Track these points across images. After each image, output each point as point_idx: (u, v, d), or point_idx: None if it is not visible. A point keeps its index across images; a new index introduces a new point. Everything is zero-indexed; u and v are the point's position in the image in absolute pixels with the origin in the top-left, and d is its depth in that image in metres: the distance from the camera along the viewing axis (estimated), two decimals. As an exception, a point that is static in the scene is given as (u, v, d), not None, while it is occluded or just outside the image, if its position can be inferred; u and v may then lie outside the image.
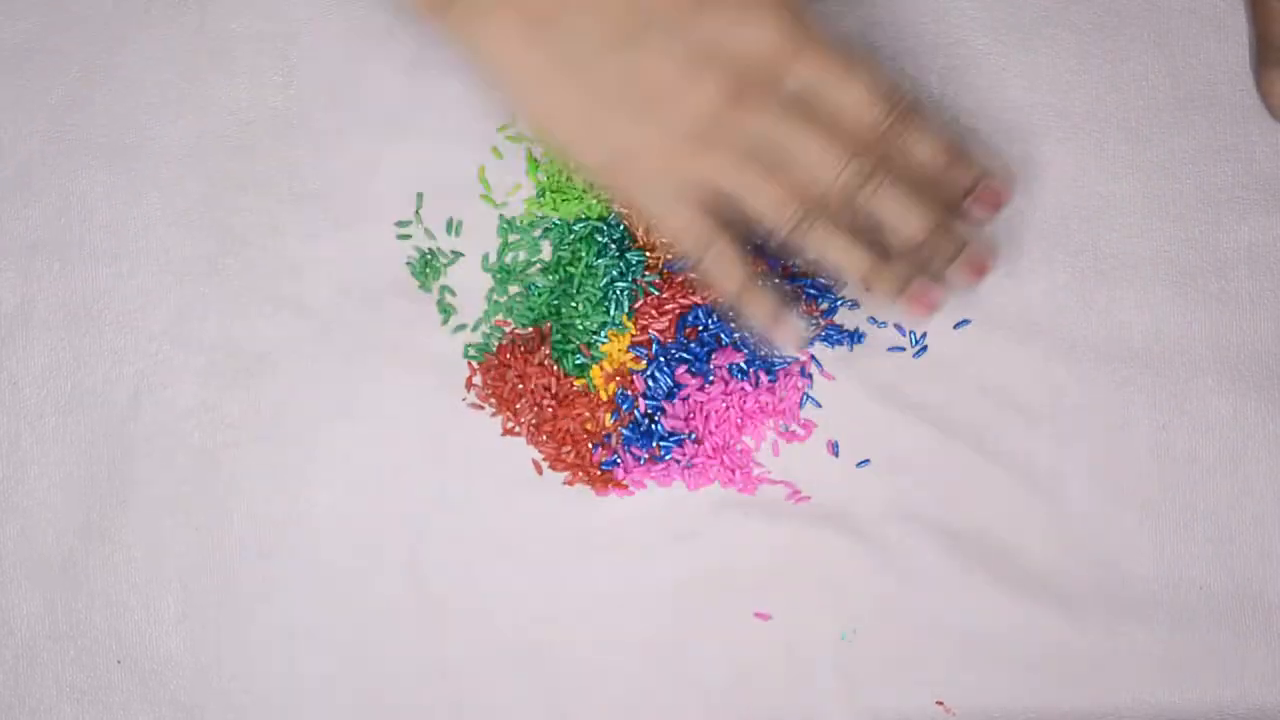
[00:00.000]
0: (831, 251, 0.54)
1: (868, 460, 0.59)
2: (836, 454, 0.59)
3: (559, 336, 0.59)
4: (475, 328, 0.59)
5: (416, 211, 0.60)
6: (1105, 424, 0.59)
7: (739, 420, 0.59)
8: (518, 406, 0.59)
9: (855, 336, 0.59)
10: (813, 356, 0.59)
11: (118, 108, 0.60)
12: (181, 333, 0.59)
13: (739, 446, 0.59)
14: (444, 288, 0.59)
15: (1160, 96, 0.60)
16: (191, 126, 0.60)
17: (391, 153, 0.60)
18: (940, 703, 0.58)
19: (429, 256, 0.60)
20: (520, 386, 0.58)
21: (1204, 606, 0.58)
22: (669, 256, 0.59)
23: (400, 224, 0.60)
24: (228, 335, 0.59)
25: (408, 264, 0.60)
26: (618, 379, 0.59)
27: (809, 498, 0.59)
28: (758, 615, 0.58)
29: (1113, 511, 0.59)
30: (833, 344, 0.59)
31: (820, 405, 0.59)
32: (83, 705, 0.58)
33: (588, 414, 0.58)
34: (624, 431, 0.58)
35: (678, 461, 0.58)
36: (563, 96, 0.53)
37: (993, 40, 0.61)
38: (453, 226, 0.60)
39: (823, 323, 0.59)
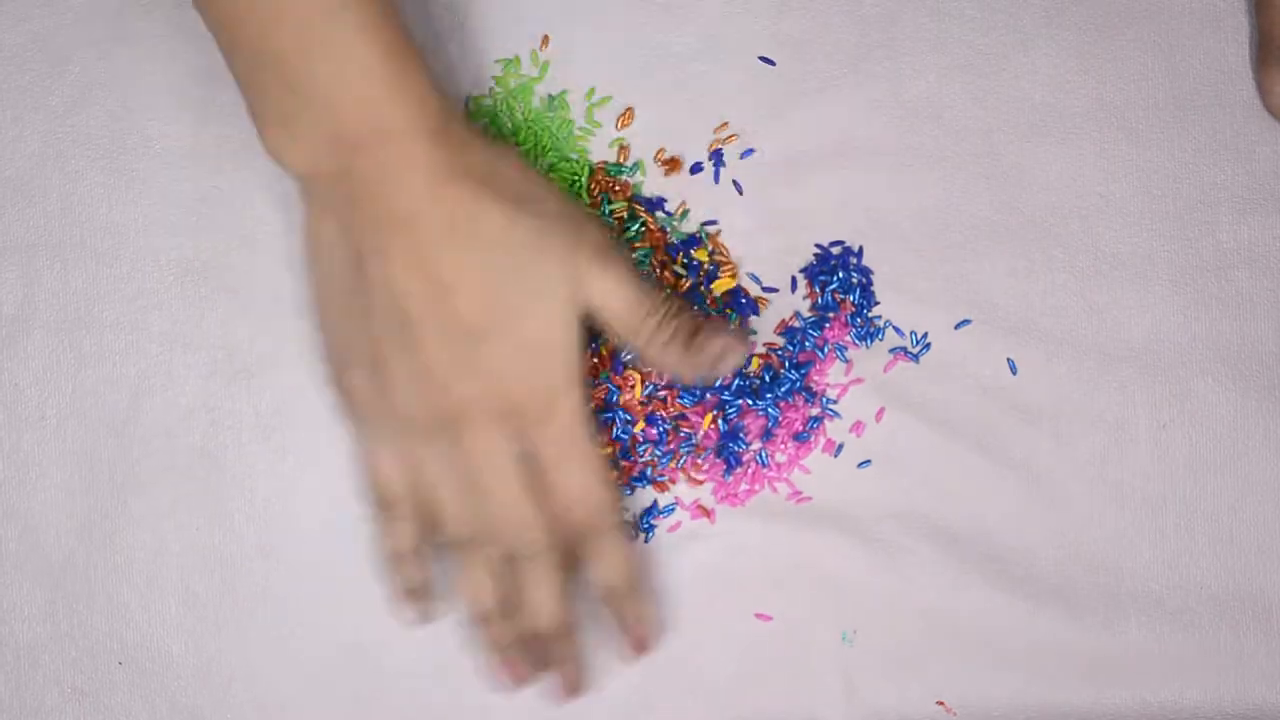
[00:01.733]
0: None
1: (869, 461, 0.59)
2: (837, 455, 0.59)
3: None
4: None
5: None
6: (1105, 424, 0.59)
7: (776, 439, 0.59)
8: None
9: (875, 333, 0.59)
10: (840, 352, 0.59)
11: (118, 108, 0.60)
12: (182, 333, 0.59)
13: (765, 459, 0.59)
14: None
15: (1160, 96, 0.60)
16: (192, 127, 0.60)
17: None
18: (941, 703, 0.58)
19: None
20: None
21: (1204, 606, 0.58)
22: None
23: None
24: (228, 336, 0.59)
25: None
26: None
27: (810, 498, 0.59)
28: (758, 616, 0.58)
29: (1113, 511, 0.59)
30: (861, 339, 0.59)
31: (839, 415, 0.59)
32: (84, 706, 0.58)
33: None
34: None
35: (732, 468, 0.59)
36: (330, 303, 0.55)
37: (993, 40, 0.61)
38: None
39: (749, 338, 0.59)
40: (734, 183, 0.60)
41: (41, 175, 0.60)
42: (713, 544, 0.59)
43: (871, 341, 0.59)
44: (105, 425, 0.59)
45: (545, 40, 0.60)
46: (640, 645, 0.56)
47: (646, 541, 0.59)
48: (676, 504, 0.59)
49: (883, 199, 0.60)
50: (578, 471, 0.54)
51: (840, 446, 0.59)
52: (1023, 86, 0.60)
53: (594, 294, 0.53)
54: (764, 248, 0.60)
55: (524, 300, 0.52)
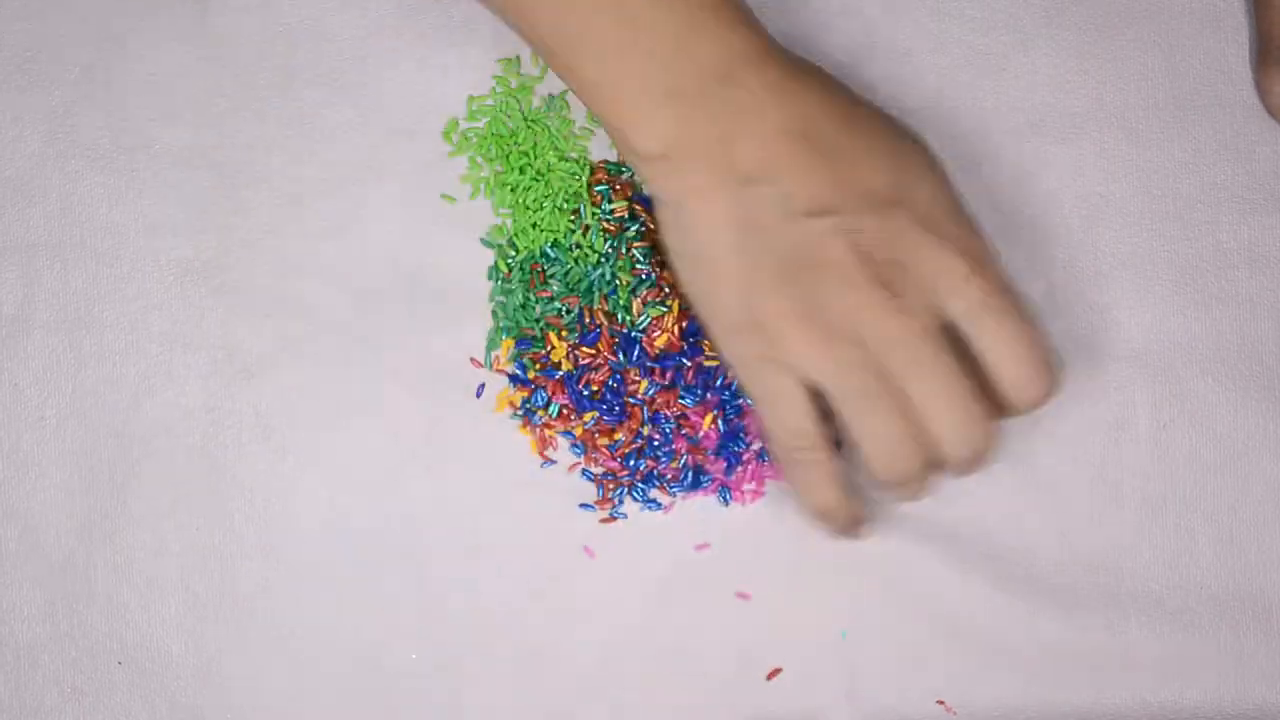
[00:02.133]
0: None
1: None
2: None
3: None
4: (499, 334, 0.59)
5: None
6: (1105, 423, 0.59)
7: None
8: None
9: None
10: None
11: (118, 109, 0.60)
12: (182, 334, 0.59)
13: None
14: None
15: (1160, 96, 0.60)
16: (191, 127, 0.60)
17: (394, 153, 0.60)
18: (941, 702, 0.58)
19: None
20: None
21: (1204, 606, 0.58)
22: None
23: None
24: (228, 336, 0.59)
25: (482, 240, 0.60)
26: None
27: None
28: (739, 595, 0.58)
29: (1113, 511, 0.59)
30: None
31: None
32: (83, 706, 0.58)
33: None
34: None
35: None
36: (731, 255, 0.52)
37: (993, 40, 0.61)
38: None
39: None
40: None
41: (41, 175, 0.60)
42: (716, 543, 0.59)
43: None
44: (105, 425, 0.59)
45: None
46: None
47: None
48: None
49: (883, 199, 0.60)
50: (1019, 337, 0.52)
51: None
52: (1023, 87, 0.60)
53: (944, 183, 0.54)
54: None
55: (916, 164, 0.53)
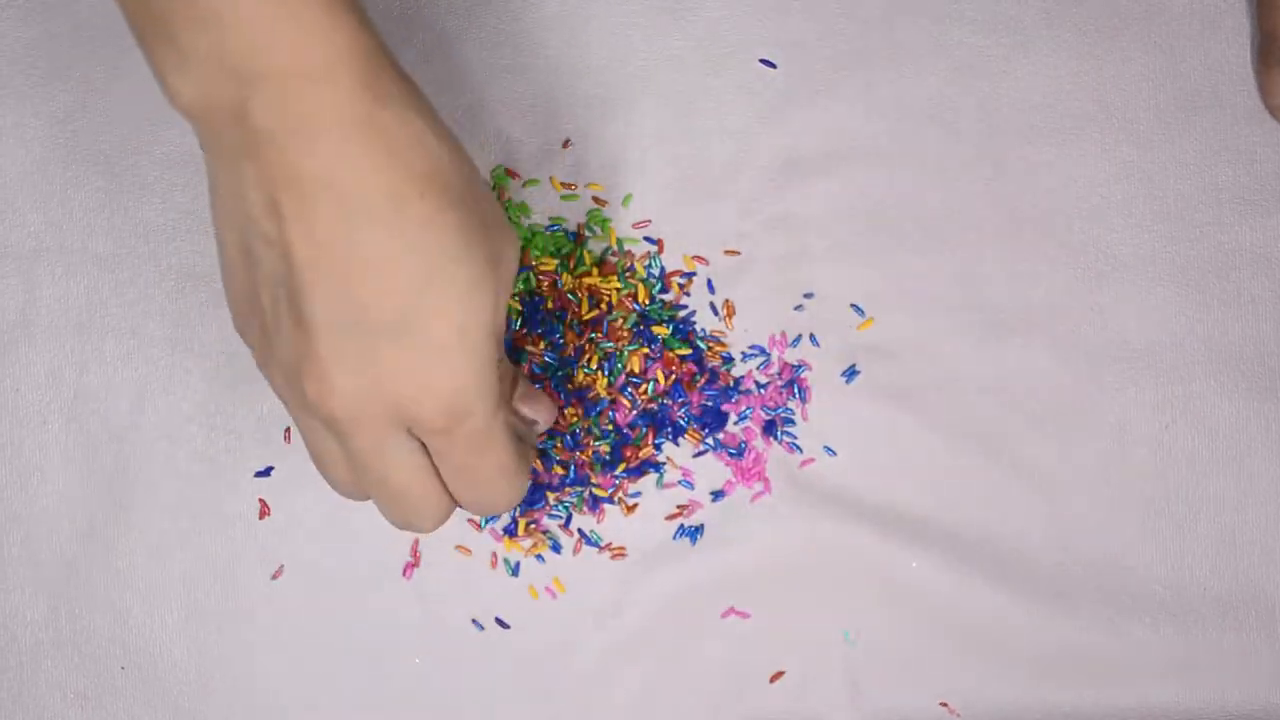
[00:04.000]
0: None
1: (870, 462, 0.59)
2: (834, 454, 0.59)
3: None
4: None
5: None
6: (1108, 424, 0.59)
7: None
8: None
9: (850, 373, 0.59)
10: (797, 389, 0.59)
11: (119, 113, 0.60)
12: (183, 338, 0.59)
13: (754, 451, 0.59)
14: None
15: (1162, 97, 0.60)
16: (191, 131, 0.60)
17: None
18: (944, 704, 0.58)
19: None
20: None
21: (1207, 607, 0.58)
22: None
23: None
24: (229, 341, 0.59)
25: None
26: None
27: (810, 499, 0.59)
28: (737, 613, 0.58)
29: (1115, 512, 0.59)
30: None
31: (801, 449, 0.59)
32: (86, 711, 0.58)
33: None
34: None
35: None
36: (229, 250, 0.47)
37: (993, 41, 0.61)
38: None
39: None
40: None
41: (43, 181, 0.60)
42: (714, 545, 0.59)
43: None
44: (107, 430, 0.59)
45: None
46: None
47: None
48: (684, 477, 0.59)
49: (884, 201, 0.60)
50: (482, 468, 0.48)
51: (828, 448, 0.59)
52: (1024, 88, 0.60)
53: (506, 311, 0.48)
54: (765, 250, 0.60)
55: (442, 299, 0.44)
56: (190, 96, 0.44)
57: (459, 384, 0.45)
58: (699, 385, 0.59)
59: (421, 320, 0.44)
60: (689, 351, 0.58)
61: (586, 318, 0.58)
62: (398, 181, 0.43)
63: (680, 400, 0.58)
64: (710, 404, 0.59)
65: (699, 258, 0.60)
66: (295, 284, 0.44)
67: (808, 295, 0.59)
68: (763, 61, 0.60)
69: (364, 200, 0.43)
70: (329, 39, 0.42)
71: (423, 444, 0.48)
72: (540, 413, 0.52)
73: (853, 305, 0.60)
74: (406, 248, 0.44)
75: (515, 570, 0.58)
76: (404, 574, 0.58)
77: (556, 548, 0.59)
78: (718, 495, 0.59)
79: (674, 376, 0.58)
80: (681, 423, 0.59)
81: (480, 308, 0.45)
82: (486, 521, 0.59)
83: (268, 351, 0.47)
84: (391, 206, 0.43)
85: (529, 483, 0.52)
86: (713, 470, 0.59)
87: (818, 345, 0.59)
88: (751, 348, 0.59)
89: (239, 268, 0.47)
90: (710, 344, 0.59)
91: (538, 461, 0.58)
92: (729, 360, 0.59)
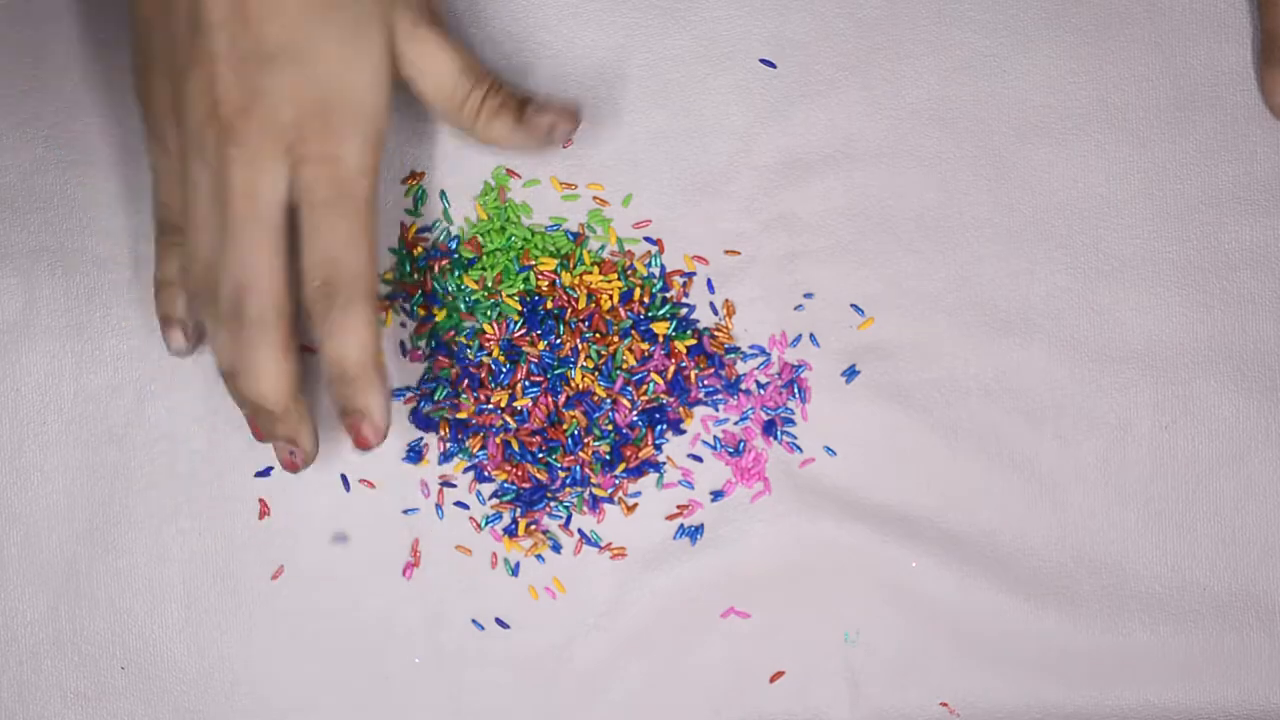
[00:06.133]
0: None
1: (870, 462, 0.59)
2: (834, 454, 0.59)
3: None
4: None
5: (445, 212, 0.60)
6: (1108, 425, 0.59)
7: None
8: None
9: (850, 372, 0.59)
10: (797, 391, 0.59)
11: (118, 114, 0.60)
12: (183, 338, 0.59)
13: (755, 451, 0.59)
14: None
15: (1161, 97, 0.60)
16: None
17: (393, 157, 0.60)
18: (945, 704, 0.58)
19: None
20: None
21: (1207, 607, 0.58)
22: None
23: (412, 212, 0.60)
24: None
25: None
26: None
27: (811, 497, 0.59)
28: (738, 614, 0.58)
29: (1116, 512, 0.59)
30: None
31: (801, 449, 0.59)
32: (86, 711, 0.58)
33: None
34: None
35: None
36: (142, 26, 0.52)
37: (993, 41, 0.61)
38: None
39: None
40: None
41: (42, 181, 0.60)
42: (715, 545, 0.59)
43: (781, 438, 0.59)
44: (107, 430, 0.59)
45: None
46: (361, 440, 0.52)
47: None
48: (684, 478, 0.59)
49: (884, 200, 0.60)
50: (340, 224, 0.50)
51: (828, 448, 0.59)
52: (1024, 88, 0.60)
53: (413, 56, 0.51)
54: (765, 250, 0.60)
55: (331, 33, 0.50)
56: None
57: (343, 108, 0.49)
58: (702, 375, 0.58)
59: (312, 49, 0.49)
60: (694, 342, 0.58)
61: (585, 317, 0.58)
62: None
63: (678, 395, 0.58)
64: (718, 386, 0.59)
65: (699, 257, 0.60)
66: (201, 17, 0.49)
67: (808, 295, 0.59)
68: (763, 61, 0.60)
69: None
70: None
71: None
72: (555, 114, 0.55)
73: (853, 305, 0.60)
74: None
75: (515, 570, 0.58)
76: (404, 574, 0.58)
77: (557, 548, 0.59)
78: (717, 495, 0.59)
79: (672, 368, 0.58)
80: (691, 403, 0.59)
81: (368, 49, 0.50)
82: (487, 522, 0.59)
83: (169, 93, 0.50)
84: None
85: (372, 302, 0.51)
86: (713, 470, 0.59)
87: (818, 345, 0.59)
88: (751, 348, 0.59)
89: (148, 20, 0.51)
90: (715, 333, 0.59)
91: (542, 472, 0.58)
92: (733, 350, 0.59)
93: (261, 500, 0.59)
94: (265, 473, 0.59)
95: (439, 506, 0.59)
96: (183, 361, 0.59)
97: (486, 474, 0.58)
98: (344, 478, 0.59)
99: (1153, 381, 0.59)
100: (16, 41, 0.60)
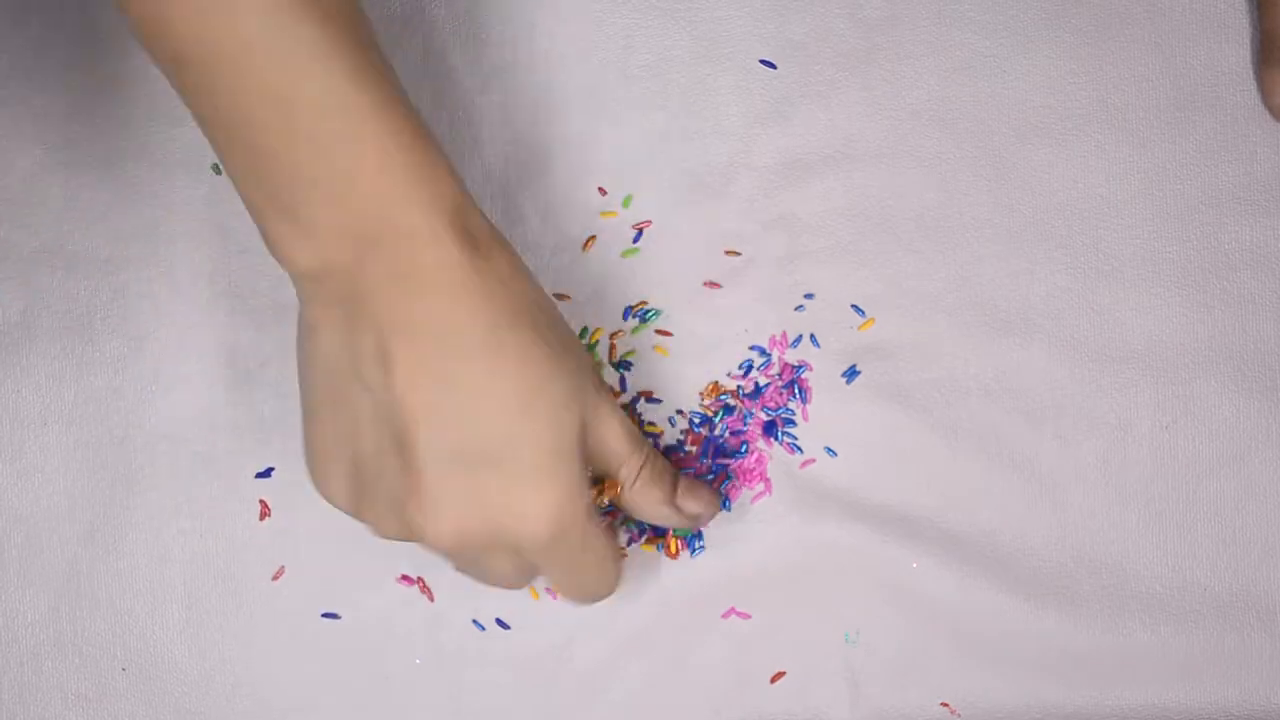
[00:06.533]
0: None
1: (870, 462, 0.59)
2: (834, 455, 0.59)
3: None
4: None
5: None
6: (1108, 425, 0.59)
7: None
8: None
9: (850, 373, 0.59)
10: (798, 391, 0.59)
11: (119, 116, 0.60)
12: (183, 340, 0.59)
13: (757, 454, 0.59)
14: None
15: (1161, 97, 0.60)
16: (192, 133, 0.60)
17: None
18: (945, 704, 0.58)
19: None
20: None
21: (1208, 608, 0.58)
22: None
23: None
24: (229, 342, 0.59)
25: None
26: None
27: (812, 496, 0.59)
28: (738, 614, 0.58)
29: (1116, 513, 0.59)
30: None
31: (801, 450, 0.59)
32: (87, 712, 0.58)
33: None
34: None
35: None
36: (321, 410, 0.50)
37: (993, 41, 0.61)
38: None
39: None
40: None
41: (43, 183, 0.60)
42: (716, 545, 0.59)
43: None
44: (108, 431, 0.59)
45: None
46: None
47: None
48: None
49: (884, 201, 0.60)
50: (585, 576, 0.52)
51: (829, 448, 0.59)
52: (1024, 88, 0.60)
53: (597, 429, 0.51)
54: (765, 250, 0.60)
55: (536, 423, 0.48)
56: (307, 263, 0.48)
57: (556, 506, 0.49)
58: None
59: (517, 445, 0.48)
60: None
61: None
62: (494, 318, 0.48)
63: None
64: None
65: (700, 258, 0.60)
66: (402, 423, 0.47)
67: (808, 296, 0.59)
68: (763, 62, 0.60)
69: (466, 339, 0.47)
70: (435, 202, 0.47)
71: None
72: (704, 505, 0.56)
73: (853, 306, 0.60)
74: (503, 377, 0.48)
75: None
76: (404, 574, 0.58)
77: None
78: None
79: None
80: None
81: (570, 426, 0.49)
82: None
83: (366, 494, 0.50)
84: (490, 342, 0.48)
85: (622, 570, 0.54)
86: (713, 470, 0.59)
87: (818, 346, 0.59)
88: (751, 348, 0.59)
89: (327, 416, 0.49)
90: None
91: None
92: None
93: (262, 501, 0.59)
94: (266, 474, 0.59)
95: None
96: (183, 362, 0.59)
97: None
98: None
99: (1153, 381, 0.59)
100: (17, 41, 0.60)
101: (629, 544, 0.59)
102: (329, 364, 0.49)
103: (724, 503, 0.58)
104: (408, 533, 0.49)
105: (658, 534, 0.58)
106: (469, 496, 0.48)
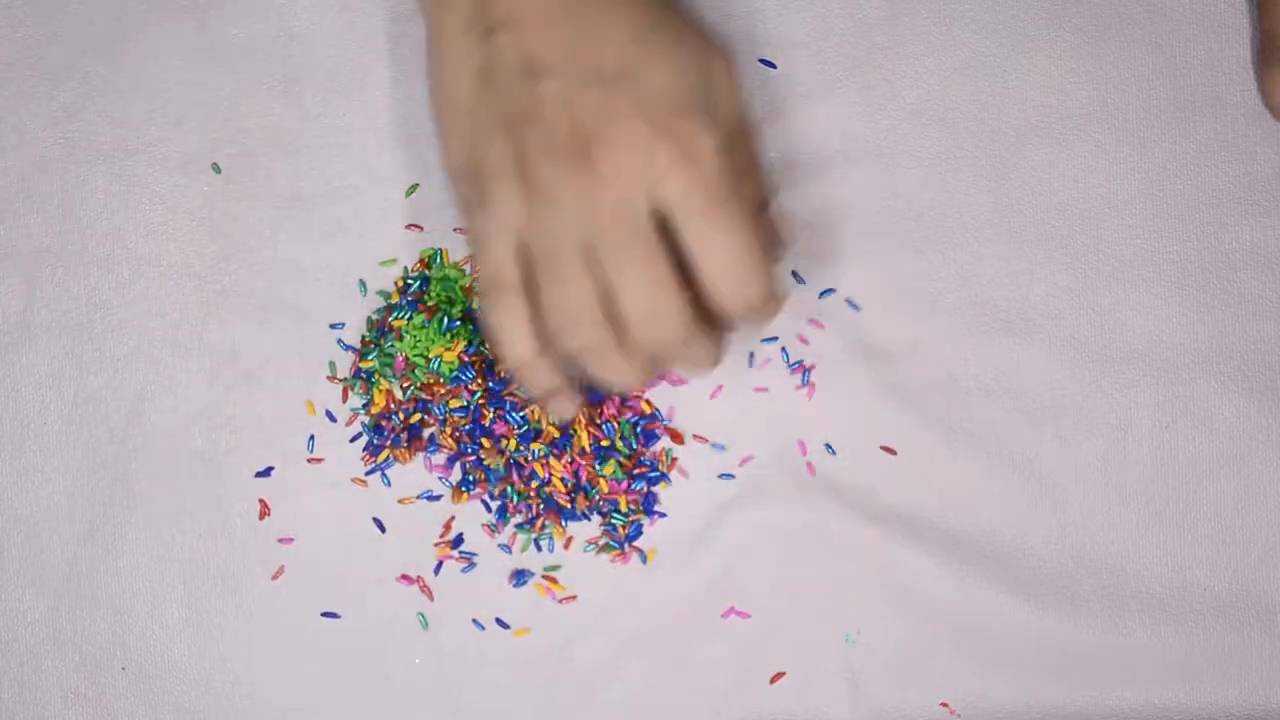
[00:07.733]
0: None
1: (869, 462, 0.59)
2: (834, 454, 0.59)
3: None
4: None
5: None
6: (1108, 425, 0.59)
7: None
8: None
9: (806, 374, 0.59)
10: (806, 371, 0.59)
11: (118, 114, 0.60)
12: (183, 339, 0.59)
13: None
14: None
15: (1161, 97, 0.60)
16: (192, 132, 0.60)
17: (393, 157, 0.60)
18: (945, 704, 0.58)
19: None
20: None
21: (1208, 607, 0.58)
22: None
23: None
24: (229, 341, 0.59)
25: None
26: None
27: (812, 499, 0.59)
28: (738, 613, 0.58)
29: (1116, 513, 0.59)
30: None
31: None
32: (87, 712, 0.58)
33: None
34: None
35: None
36: (465, 100, 0.53)
37: (993, 41, 0.61)
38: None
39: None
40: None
41: (43, 181, 0.60)
42: (716, 545, 0.59)
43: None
44: (107, 431, 0.59)
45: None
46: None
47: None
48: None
49: (885, 200, 0.60)
50: (721, 235, 0.51)
51: (829, 446, 0.59)
52: (1024, 88, 0.60)
53: (723, 90, 0.52)
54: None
55: (666, 45, 0.51)
56: None
57: (686, 112, 0.50)
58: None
59: (643, 66, 0.50)
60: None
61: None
62: None
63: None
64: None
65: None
66: (538, 66, 0.51)
67: (808, 295, 0.60)
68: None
69: None
70: None
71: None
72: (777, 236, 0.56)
73: (853, 305, 0.60)
74: (626, 18, 0.51)
75: (520, 579, 0.58)
76: (404, 574, 0.58)
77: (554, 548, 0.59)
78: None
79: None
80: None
81: (695, 51, 0.52)
82: (499, 517, 0.59)
83: (510, 151, 0.51)
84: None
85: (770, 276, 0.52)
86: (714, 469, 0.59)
87: (818, 345, 0.59)
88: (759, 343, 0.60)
89: (473, 97, 0.52)
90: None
91: (545, 473, 0.58)
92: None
93: (262, 500, 0.59)
94: (265, 473, 0.59)
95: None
96: (183, 362, 0.59)
97: (494, 494, 0.58)
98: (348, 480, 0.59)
99: (1153, 381, 0.59)
100: (17, 40, 0.60)
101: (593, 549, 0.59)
102: (467, 48, 0.52)
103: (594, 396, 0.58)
104: (562, 145, 0.50)
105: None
106: (611, 106, 0.50)
